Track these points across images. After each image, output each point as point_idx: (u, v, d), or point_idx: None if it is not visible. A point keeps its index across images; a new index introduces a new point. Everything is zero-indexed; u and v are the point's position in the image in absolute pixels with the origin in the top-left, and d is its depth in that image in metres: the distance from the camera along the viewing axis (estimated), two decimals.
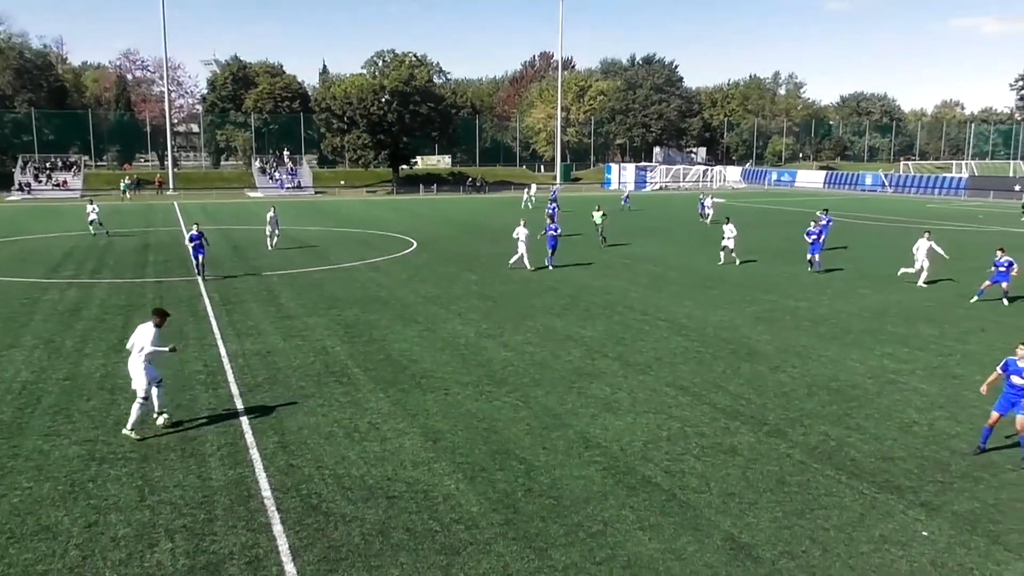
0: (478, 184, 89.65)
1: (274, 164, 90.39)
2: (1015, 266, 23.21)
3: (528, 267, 29.25)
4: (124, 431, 12.44)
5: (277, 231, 35.38)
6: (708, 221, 48.79)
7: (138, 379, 12.46)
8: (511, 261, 29.84)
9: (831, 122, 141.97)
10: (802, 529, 9.63)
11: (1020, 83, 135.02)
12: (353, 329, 19.88)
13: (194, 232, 27.39)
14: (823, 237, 31.02)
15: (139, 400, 12.37)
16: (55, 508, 10.04)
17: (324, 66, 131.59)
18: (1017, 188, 74.00)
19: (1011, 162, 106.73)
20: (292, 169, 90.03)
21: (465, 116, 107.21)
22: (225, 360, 16.93)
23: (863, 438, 12.65)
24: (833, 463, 11.63)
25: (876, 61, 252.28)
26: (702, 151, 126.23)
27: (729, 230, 31.28)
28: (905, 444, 12.41)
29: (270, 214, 35.65)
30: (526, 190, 66.12)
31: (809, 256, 29.72)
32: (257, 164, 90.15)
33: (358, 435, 12.64)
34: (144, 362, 12.47)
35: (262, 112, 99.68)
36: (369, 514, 9.93)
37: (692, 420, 13.44)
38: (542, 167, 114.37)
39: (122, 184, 74.81)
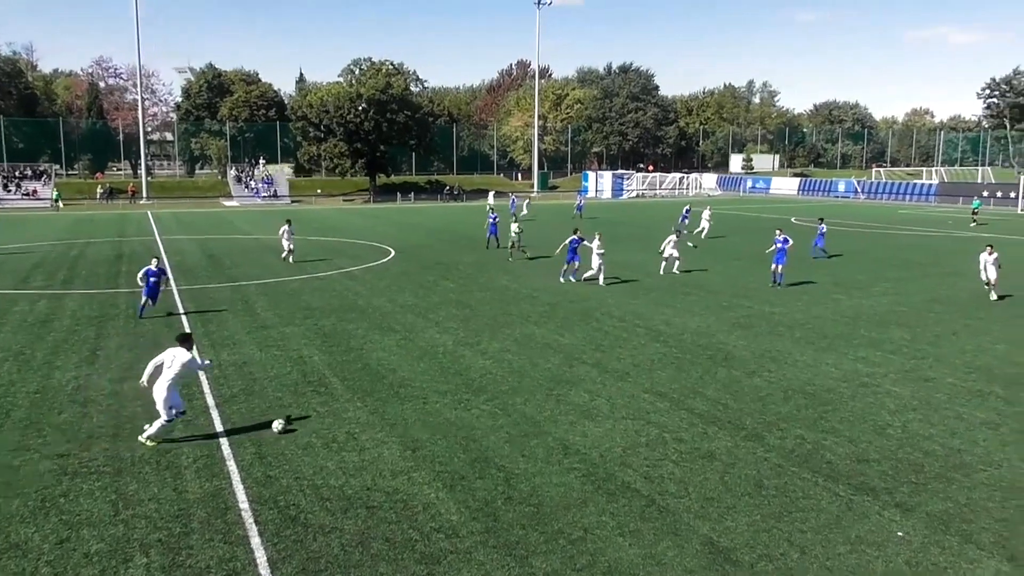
0: (456, 192, 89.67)
1: (250, 172, 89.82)
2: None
3: (601, 283, 27.32)
4: (141, 437, 12.58)
5: (292, 245, 33.57)
6: (703, 235, 43.22)
7: (162, 401, 12.51)
8: (585, 276, 27.98)
9: (805, 130, 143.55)
10: (780, 532, 9.69)
11: (987, 92, 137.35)
12: (330, 339, 19.78)
13: (152, 268, 22.28)
14: (820, 244, 35.30)
15: (163, 420, 12.52)
16: (25, 525, 9.88)
17: (301, 74, 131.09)
18: (985, 194, 75.12)
19: (979, 169, 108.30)
20: (268, 178, 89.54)
21: (442, 124, 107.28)
22: (200, 371, 16.76)
23: (838, 441, 12.76)
24: (809, 466, 11.73)
25: (847, 70, 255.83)
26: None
27: (672, 240, 30.60)
28: (879, 446, 12.53)
29: (284, 228, 33.68)
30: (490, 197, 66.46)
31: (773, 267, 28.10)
32: (232, 172, 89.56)
33: (336, 445, 12.56)
34: (173, 385, 12.65)
35: (237, 120, 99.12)
36: (348, 524, 9.87)
37: (670, 426, 13.49)
38: (519, 175, 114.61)
39: (53, 193, 73.70)
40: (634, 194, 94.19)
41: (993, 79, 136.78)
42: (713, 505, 10.43)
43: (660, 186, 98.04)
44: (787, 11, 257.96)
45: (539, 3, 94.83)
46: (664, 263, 30.54)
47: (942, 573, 8.78)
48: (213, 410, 14.25)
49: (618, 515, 10.14)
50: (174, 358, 12.70)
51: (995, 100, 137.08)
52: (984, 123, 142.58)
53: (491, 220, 40.24)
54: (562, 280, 28.22)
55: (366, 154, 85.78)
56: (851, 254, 37.15)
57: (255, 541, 9.45)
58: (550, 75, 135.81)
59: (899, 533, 9.66)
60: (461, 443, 12.67)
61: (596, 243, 27.69)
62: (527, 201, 67.08)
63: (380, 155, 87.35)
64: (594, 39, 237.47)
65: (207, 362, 13.92)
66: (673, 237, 30.77)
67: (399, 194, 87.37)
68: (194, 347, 13.26)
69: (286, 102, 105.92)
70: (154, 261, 22.87)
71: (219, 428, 13.32)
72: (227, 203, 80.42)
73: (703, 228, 43.67)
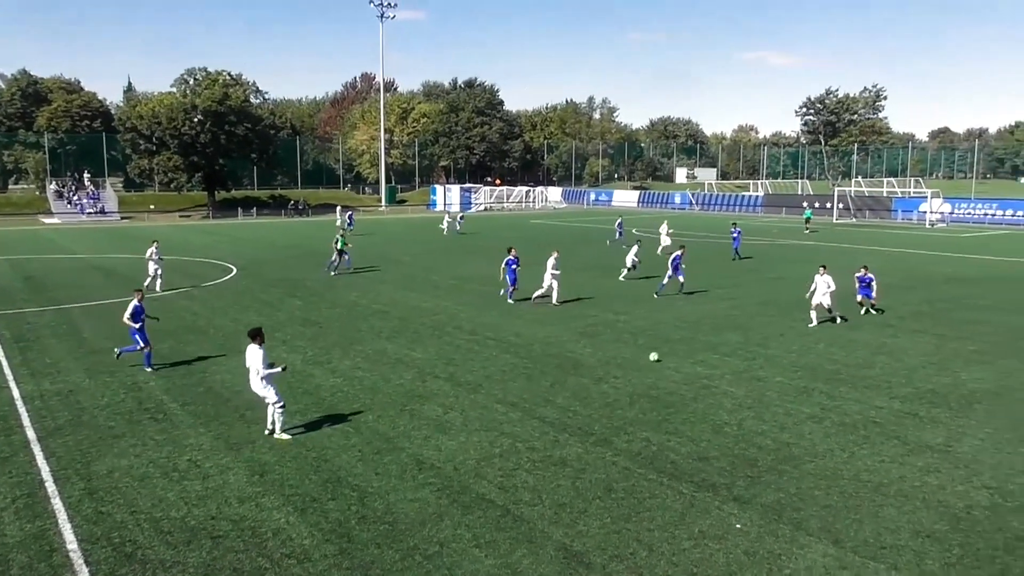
0: (300, 207, 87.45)
1: (73, 187, 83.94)
2: (874, 282, 24.33)
3: (555, 302, 26.29)
4: (277, 436, 13.43)
5: (161, 269, 30.04)
6: (660, 251, 41.43)
7: (264, 392, 13.37)
8: (535, 295, 26.78)
9: (642, 144, 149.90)
10: (629, 532, 10.03)
11: (803, 110, 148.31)
12: (168, 362, 18.78)
13: None
14: (737, 246, 39.71)
15: (279, 409, 13.44)
16: None
17: (129, 83, 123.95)
18: (805, 204, 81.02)
19: (799, 181, 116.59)
20: (94, 193, 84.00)
21: (285, 137, 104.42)
22: (19, 403, 15.52)
23: (681, 441, 13.36)
24: (655, 467, 12.21)
25: (679, 88, 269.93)
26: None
27: (635, 251, 32.72)
28: (718, 444, 13.22)
29: (151, 250, 30.07)
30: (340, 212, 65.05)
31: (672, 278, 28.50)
32: (53, 187, 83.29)
33: (177, 474, 11.93)
34: (263, 380, 13.31)
35: (57, 131, 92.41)
36: (192, 557, 9.38)
37: (523, 435, 13.69)
38: (367, 189, 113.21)
39: None
40: (482, 207, 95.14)
41: (809, 98, 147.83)
42: (566, 511, 10.66)
43: (507, 199, 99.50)
44: (622, 31, 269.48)
45: (382, 16, 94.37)
46: (626, 270, 32.35)
47: (776, 560, 9.35)
48: (35, 444, 13.20)
49: (473, 527, 10.18)
50: (252, 357, 13.27)
51: (811, 118, 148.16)
52: (802, 139, 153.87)
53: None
54: (511, 301, 26.81)
55: (203, 168, 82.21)
56: (691, 262, 38.98)
57: None
58: (395, 89, 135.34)
59: (737, 525, 10.22)
60: (312, 464, 12.34)
61: (551, 262, 26.41)
62: (460, 216, 63.15)
63: (219, 169, 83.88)
64: (438, 53, 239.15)
65: (279, 369, 13.79)
66: (636, 247, 32.89)
67: (240, 209, 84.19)
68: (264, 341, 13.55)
69: (113, 113, 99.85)
70: None
71: (42, 464, 12.33)
72: (47, 220, 74.82)
73: (665, 245, 42.56)
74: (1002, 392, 16.22)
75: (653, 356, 18.68)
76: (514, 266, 27.17)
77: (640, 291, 29.52)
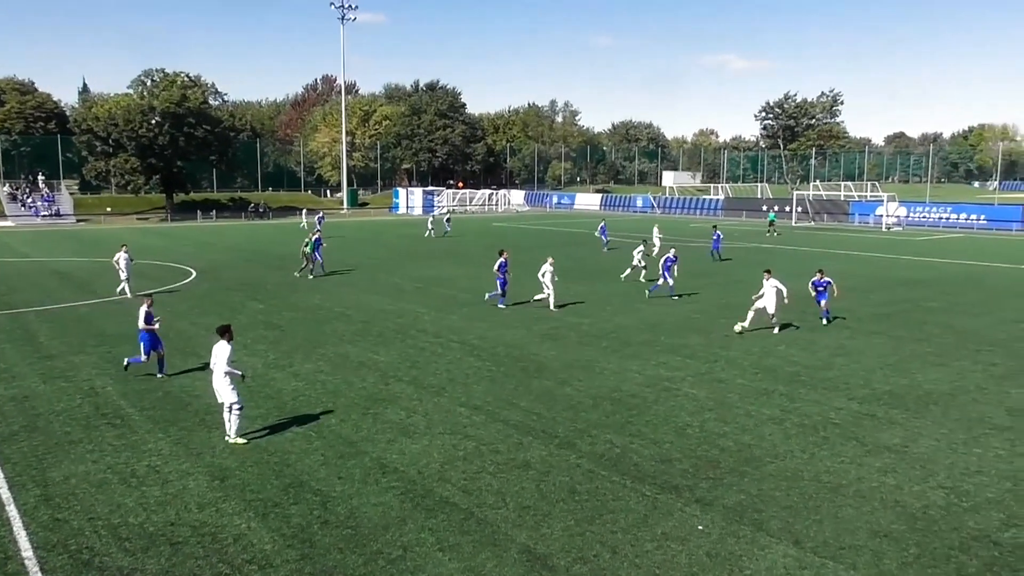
0: (261, 210, 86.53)
1: (27, 190, 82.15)
2: (832, 285, 23.60)
3: (552, 308, 25.80)
4: (231, 440, 13.25)
5: (129, 274, 28.69)
6: (654, 253, 39.57)
7: (226, 393, 13.24)
8: (536, 297, 26.53)
9: (604, 148, 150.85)
10: (593, 534, 10.06)
11: (763, 114, 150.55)
12: (126, 367, 18.43)
13: None
14: (718, 248, 41.33)
15: (236, 411, 13.24)
16: None
17: (84, 85, 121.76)
18: (765, 208, 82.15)
19: (759, 185, 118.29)
20: (49, 195, 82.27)
21: (245, 139, 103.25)
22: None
23: (644, 443, 13.45)
24: (618, 469, 12.27)
25: (640, 92, 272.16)
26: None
27: (640, 250, 33.29)
28: (681, 446, 13.33)
29: (120, 255, 28.69)
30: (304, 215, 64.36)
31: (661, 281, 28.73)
32: (6, 190, 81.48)
33: (135, 480, 11.72)
34: (227, 378, 13.24)
35: (11, 133, 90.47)
36: (150, 564, 9.23)
37: (487, 438, 13.68)
38: (328, 192, 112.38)
39: None
40: (445, 210, 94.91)
41: (768, 103, 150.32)
42: (530, 513, 10.67)
43: (470, 202, 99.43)
44: (584, 35, 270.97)
45: (343, 18, 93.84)
46: (630, 270, 32.99)
47: (738, 561, 9.45)
48: None
49: (437, 531, 10.14)
50: (219, 352, 13.31)
51: (770, 122, 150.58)
52: (762, 143, 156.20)
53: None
54: (501, 305, 26.35)
55: (161, 170, 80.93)
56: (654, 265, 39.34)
57: None
58: (357, 91, 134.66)
59: (699, 527, 10.31)
60: (274, 469, 12.20)
61: (547, 267, 26.02)
62: (448, 217, 62.66)
63: (177, 171, 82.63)
64: (399, 56, 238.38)
65: (240, 373, 13.77)
66: (641, 248, 33.44)
67: (200, 212, 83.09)
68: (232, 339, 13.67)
69: (68, 114, 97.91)
70: None
71: None
72: (0, 223, 73.14)
73: (655, 247, 41.63)
74: (956, 393, 16.58)
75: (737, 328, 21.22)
76: (505, 270, 26.58)
77: (606, 294, 29.64)
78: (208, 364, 18.45)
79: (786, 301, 22.48)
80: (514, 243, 46.14)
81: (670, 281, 28.60)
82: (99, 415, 14.87)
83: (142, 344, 17.64)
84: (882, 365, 18.91)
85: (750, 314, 22.45)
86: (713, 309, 26.50)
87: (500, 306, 26.41)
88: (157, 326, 17.81)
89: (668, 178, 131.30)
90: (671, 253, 29.43)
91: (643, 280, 31.42)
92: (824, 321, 23.76)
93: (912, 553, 9.62)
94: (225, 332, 13.52)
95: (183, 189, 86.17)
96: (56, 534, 9.99)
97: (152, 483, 11.63)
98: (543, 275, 26.13)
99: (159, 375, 17.57)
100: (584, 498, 11.18)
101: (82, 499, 11.04)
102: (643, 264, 33.15)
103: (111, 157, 79.75)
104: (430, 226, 57.95)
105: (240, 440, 13.27)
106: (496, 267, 26.75)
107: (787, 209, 76.55)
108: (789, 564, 9.35)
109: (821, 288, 23.89)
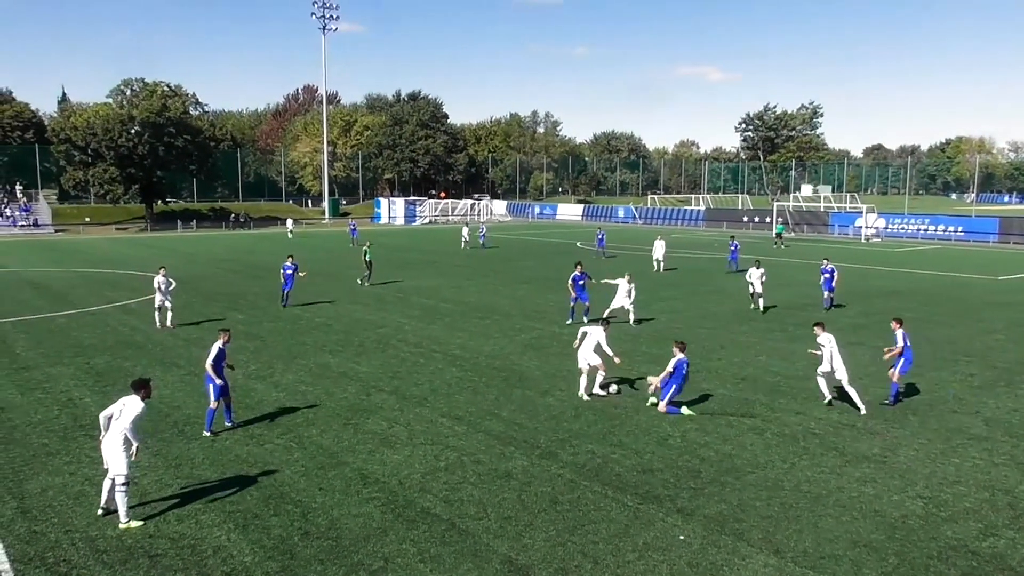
0: (242, 220, 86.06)
1: (4, 200, 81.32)
2: (836, 274, 27.40)
3: (632, 322, 25.18)
4: (122, 525, 10.47)
5: (169, 300, 24.82)
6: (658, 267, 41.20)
7: (117, 461, 10.59)
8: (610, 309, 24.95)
9: (586, 158, 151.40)
10: (574, 545, 10.06)
11: (743, 126, 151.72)
12: (105, 378, 18.29)
13: None
14: (735, 259, 40.41)
15: (121, 486, 10.52)
16: None
17: (63, 94, 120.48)
18: (745, 219, 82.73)
19: (739, 196, 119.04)
20: (26, 205, 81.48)
21: (226, 149, 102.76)
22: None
23: (626, 453, 13.47)
24: (600, 479, 12.28)
25: (622, 103, 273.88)
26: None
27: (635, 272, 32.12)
28: (662, 456, 13.37)
29: (159, 279, 24.68)
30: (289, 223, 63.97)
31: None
32: None
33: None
34: (123, 441, 10.63)
35: None
36: None
37: (468, 448, 13.65)
38: (309, 202, 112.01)
39: None
40: (427, 220, 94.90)
41: (748, 114, 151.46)
42: (511, 524, 10.65)
43: (452, 212, 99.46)
44: (565, 46, 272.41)
45: (324, 28, 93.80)
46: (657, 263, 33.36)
47: (719, 571, 9.48)
48: None
49: (418, 542, 10.10)
50: (129, 409, 10.79)
51: (750, 133, 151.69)
52: (742, 154, 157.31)
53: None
54: (570, 321, 25.35)
55: (141, 180, 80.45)
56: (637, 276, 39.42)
57: None
58: (338, 101, 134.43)
59: (681, 537, 10.33)
60: (254, 480, 12.12)
61: (624, 282, 25.47)
62: (482, 230, 59.84)
63: (157, 181, 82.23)
64: (381, 66, 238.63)
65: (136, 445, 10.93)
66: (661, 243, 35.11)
67: (180, 222, 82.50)
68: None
69: (47, 123, 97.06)
70: None
71: None
72: None
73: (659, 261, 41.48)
74: (934, 403, 16.73)
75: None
76: (581, 282, 25.49)
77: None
78: (187, 371, 18.39)
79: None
80: (502, 254, 46.13)
81: (584, 302, 26.24)
82: (77, 426, 14.72)
83: (211, 388, 14.36)
84: (861, 375, 19.01)
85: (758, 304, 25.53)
86: (693, 319, 26.61)
87: (568, 321, 25.34)
88: (220, 372, 14.36)
89: (807, 190, 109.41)
90: (578, 270, 27.16)
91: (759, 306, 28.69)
92: (828, 307, 27.49)
93: (891, 563, 9.68)
94: (141, 388, 11.07)
95: (163, 199, 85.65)
96: (33, 547, 9.87)
97: (131, 495, 11.48)
98: (627, 293, 25.27)
99: (227, 423, 14.72)
100: (566, 508, 11.18)
101: (60, 511, 10.92)
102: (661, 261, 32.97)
103: (90, 167, 79.14)
104: (465, 236, 56.02)
105: (134, 524, 10.53)
106: (570, 280, 25.55)
107: (767, 220, 77.08)
108: (770, 574, 9.39)
109: (828, 275, 27.96)
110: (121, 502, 10.51)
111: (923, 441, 14.22)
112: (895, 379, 16.48)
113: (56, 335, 23.31)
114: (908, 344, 16.66)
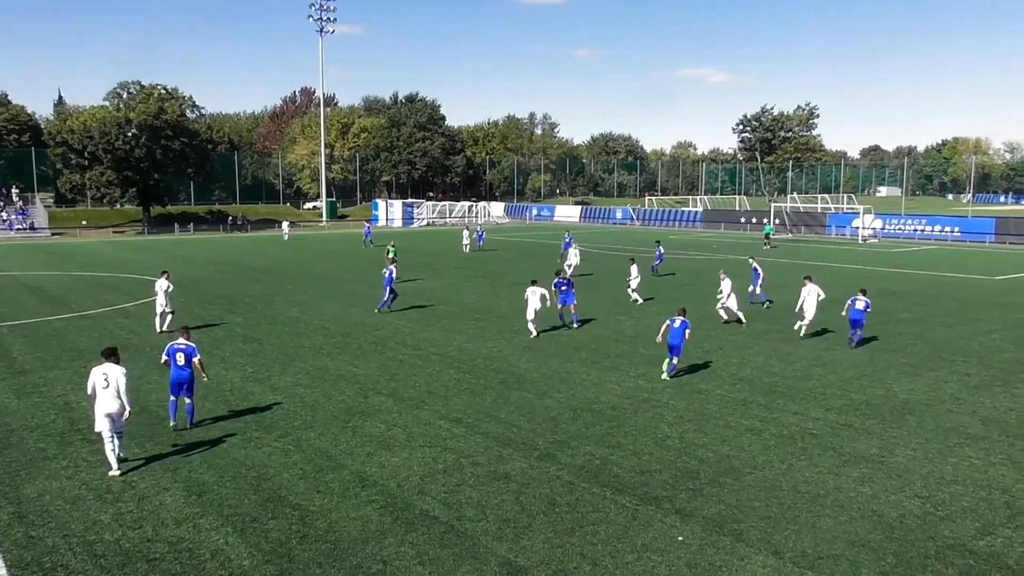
0: (239, 223, 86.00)
1: (0, 204, 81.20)
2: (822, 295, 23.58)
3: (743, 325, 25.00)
4: (111, 473, 12.27)
5: (170, 306, 24.96)
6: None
7: (119, 416, 12.27)
8: (766, 303, 25.27)
9: (584, 160, 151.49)
10: (573, 546, 10.06)
11: (740, 127, 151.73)
12: None
13: None
14: (658, 264, 39.73)
15: (120, 437, 12.51)
16: None
17: (60, 97, 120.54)
18: (742, 220, 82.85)
19: (736, 197, 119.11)
20: (23, 208, 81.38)
21: (223, 152, 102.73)
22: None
23: (624, 455, 13.48)
24: (599, 481, 12.28)
25: (619, 104, 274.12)
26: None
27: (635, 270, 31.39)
28: (660, 457, 13.37)
29: (162, 282, 24.96)
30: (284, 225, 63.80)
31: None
32: None
33: (111, 496, 11.58)
34: (119, 401, 12.27)
35: None
36: None
37: (467, 451, 13.65)
38: (307, 204, 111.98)
39: None
40: (425, 222, 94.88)
41: (745, 115, 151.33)
42: (510, 526, 10.65)
43: (450, 214, 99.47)
44: (563, 48, 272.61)
45: (321, 31, 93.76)
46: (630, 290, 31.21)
47: (717, 572, 9.48)
48: None
49: (417, 544, 10.10)
50: (116, 373, 12.34)
51: (747, 135, 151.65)
52: (739, 155, 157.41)
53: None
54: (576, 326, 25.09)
55: (138, 183, 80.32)
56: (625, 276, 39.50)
57: None
58: (336, 103, 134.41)
59: (679, 538, 10.34)
60: (252, 483, 12.11)
61: (726, 282, 25.66)
62: (480, 231, 59.32)
63: (154, 184, 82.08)
64: (379, 68, 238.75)
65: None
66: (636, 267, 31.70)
67: (177, 225, 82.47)
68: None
69: (43, 126, 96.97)
70: None
71: None
72: None
73: (657, 263, 40.65)
74: (932, 403, 16.75)
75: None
76: (563, 287, 25.18)
77: (583, 304, 29.65)
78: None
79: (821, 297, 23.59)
80: (499, 256, 46.12)
81: (387, 295, 27.71)
82: (74, 431, 14.70)
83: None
84: (859, 375, 19.08)
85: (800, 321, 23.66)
86: (691, 320, 26.56)
87: (574, 321, 25.18)
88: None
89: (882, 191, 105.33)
90: (393, 268, 28.33)
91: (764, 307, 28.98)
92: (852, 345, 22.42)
93: (889, 562, 9.69)
94: (114, 355, 12.61)
95: (160, 202, 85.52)
96: (30, 552, 9.86)
97: (128, 499, 11.50)
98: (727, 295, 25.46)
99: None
100: (564, 510, 11.18)
101: (57, 516, 10.90)
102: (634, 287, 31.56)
103: (86, 170, 79.05)
104: (467, 240, 55.52)
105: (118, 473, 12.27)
106: (553, 287, 25.16)
107: (764, 221, 77.18)
108: (768, 574, 9.39)
109: (857, 311, 22.23)
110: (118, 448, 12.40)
111: (920, 441, 14.24)
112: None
113: (53, 339, 23.27)
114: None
